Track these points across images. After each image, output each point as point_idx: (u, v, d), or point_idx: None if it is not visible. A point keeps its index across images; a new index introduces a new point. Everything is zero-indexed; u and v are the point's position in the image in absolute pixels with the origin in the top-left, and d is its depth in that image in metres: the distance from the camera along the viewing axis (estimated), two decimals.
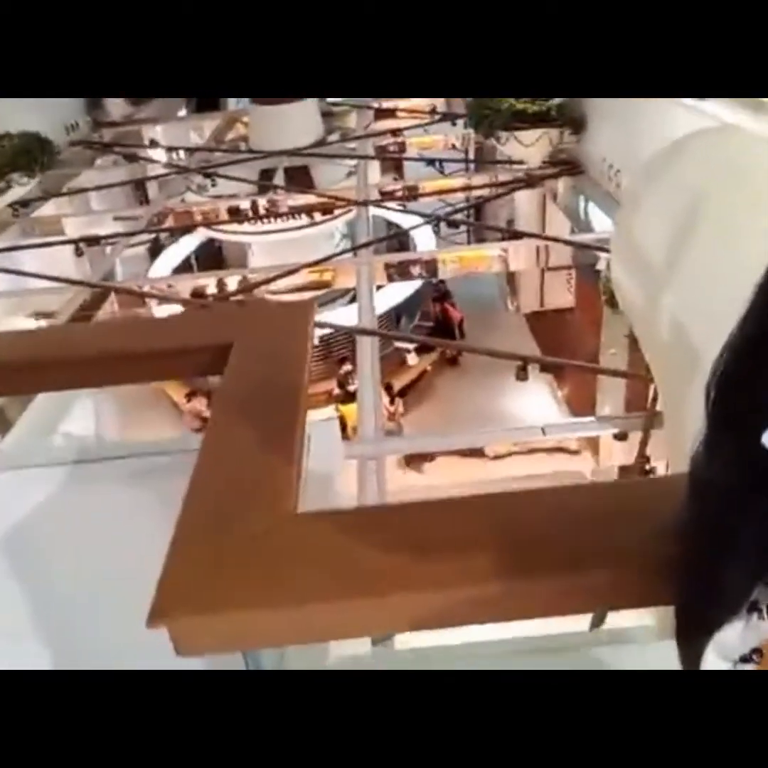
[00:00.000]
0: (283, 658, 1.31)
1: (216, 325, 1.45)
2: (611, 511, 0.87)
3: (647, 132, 5.13)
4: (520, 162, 7.11)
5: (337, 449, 1.60)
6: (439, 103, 9.97)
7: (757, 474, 0.61)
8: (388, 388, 7.31)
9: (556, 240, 6.30)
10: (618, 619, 1.78)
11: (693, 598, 0.72)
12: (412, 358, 8.12)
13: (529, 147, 6.52)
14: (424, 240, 7.96)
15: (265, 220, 7.72)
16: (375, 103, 9.84)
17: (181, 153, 9.88)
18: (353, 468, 3.51)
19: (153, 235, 8.05)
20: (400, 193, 7.80)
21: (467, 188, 7.56)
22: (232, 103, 11.90)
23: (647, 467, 4.47)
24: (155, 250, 8.94)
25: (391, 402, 7.44)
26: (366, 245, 6.36)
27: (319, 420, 1.44)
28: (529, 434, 4.71)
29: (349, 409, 6.50)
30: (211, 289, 7.05)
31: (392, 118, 9.90)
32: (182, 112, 11.52)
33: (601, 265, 5.52)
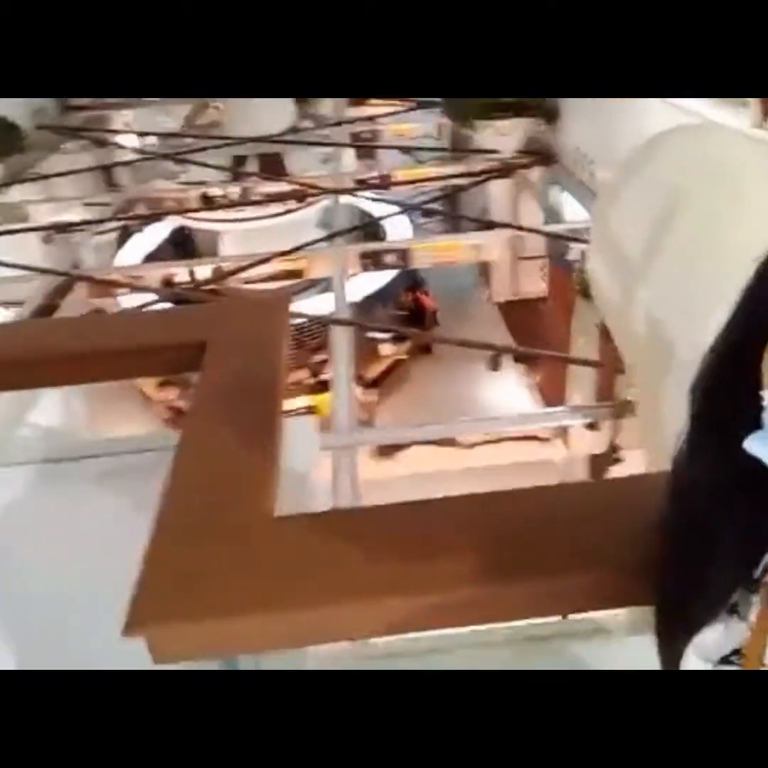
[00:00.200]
0: (260, 656, 1.30)
1: (192, 322, 1.43)
2: (589, 511, 0.87)
3: (622, 122, 5.16)
4: (494, 151, 7.10)
5: (314, 446, 1.59)
6: None
7: (739, 475, 0.61)
8: (360, 378, 7.26)
9: (531, 230, 6.31)
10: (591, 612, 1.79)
11: (675, 598, 0.72)
12: (385, 348, 8.09)
13: (503, 136, 6.52)
14: (398, 229, 7.92)
15: (238, 208, 7.63)
16: None
17: (153, 138, 9.70)
18: (327, 458, 3.51)
19: (122, 223, 7.91)
20: (375, 182, 7.74)
21: (441, 178, 7.54)
22: None
23: (616, 456, 4.55)
24: (124, 237, 8.78)
25: (364, 392, 7.40)
26: (339, 233, 6.32)
27: (297, 417, 1.42)
28: (502, 424, 4.75)
29: (322, 399, 6.44)
30: (183, 277, 6.95)
31: (366, 105, 9.82)
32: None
33: (573, 255, 5.55)
